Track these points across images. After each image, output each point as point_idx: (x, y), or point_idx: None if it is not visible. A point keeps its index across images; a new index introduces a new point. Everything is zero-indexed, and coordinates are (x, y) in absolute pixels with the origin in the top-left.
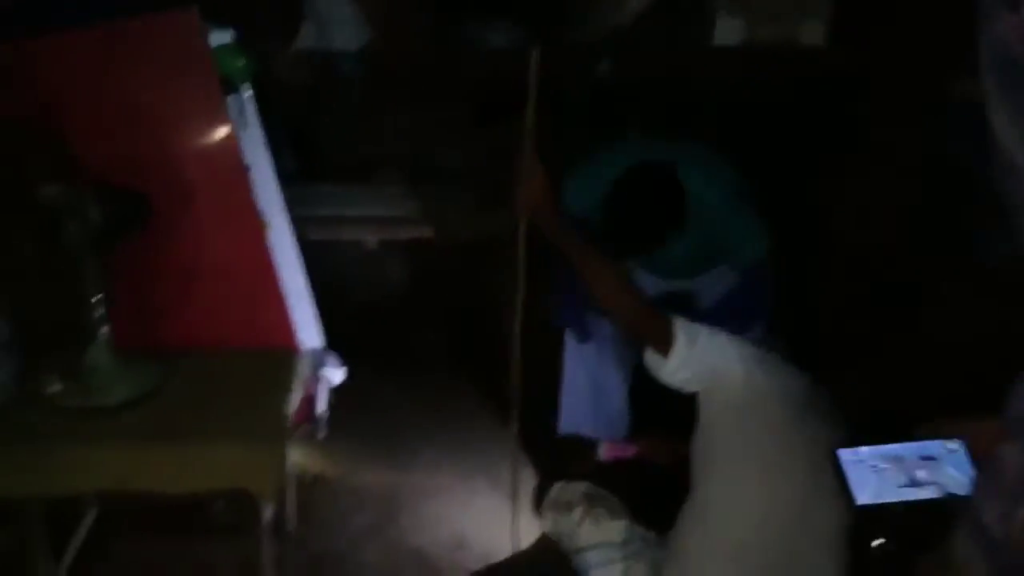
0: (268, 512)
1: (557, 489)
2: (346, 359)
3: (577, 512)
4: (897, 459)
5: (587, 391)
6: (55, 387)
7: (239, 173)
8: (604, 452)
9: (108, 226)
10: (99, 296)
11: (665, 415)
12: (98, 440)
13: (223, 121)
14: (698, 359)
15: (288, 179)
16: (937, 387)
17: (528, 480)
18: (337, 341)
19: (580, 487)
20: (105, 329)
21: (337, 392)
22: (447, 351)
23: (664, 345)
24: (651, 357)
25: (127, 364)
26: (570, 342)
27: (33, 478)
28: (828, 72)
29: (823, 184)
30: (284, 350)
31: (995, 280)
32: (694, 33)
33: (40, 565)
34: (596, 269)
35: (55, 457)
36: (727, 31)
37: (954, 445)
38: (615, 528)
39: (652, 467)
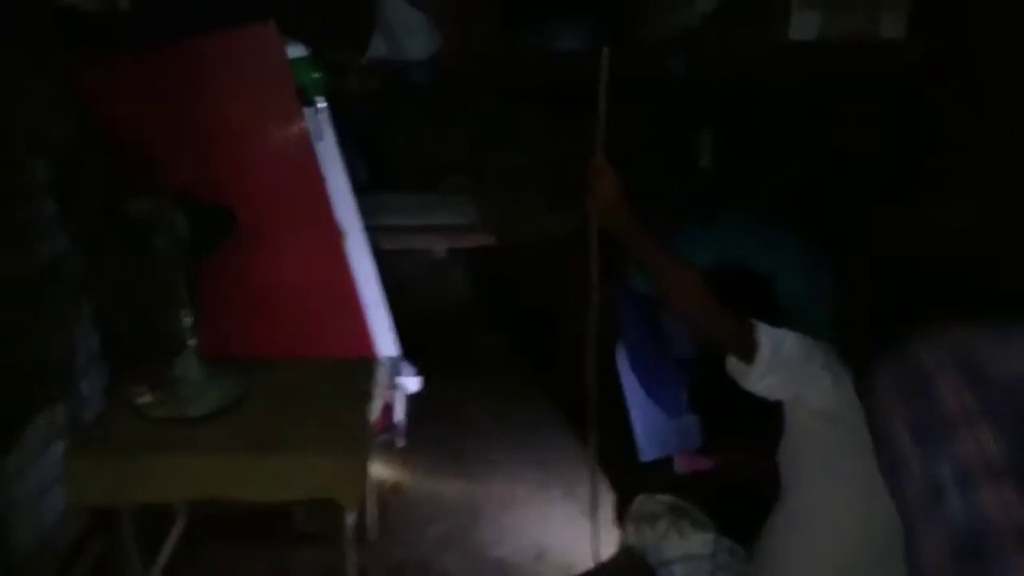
0: (350, 520)
1: (640, 501)
2: (419, 367)
3: (662, 524)
4: None
5: (653, 410)
6: (144, 397)
7: (318, 184)
8: (681, 464)
9: (196, 239)
10: (187, 308)
11: (735, 425)
12: (186, 450)
13: (302, 133)
14: (783, 365)
15: (359, 189)
16: None
17: (604, 491)
18: (409, 350)
19: (664, 499)
20: (193, 340)
21: (412, 400)
22: (518, 357)
23: (747, 351)
24: (733, 364)
25: (213, 374)
26: (623, 362)
27: (125, 487)
28: (910, 66)
29: (910, 184)
30: (363, 359)
31: None
32: (768, 29)
33: (133, 572)
34: (672, 272)
35: (145, 467)
36: (803, 26)
37: None
38: (701, 540)
39: (731, 478)
